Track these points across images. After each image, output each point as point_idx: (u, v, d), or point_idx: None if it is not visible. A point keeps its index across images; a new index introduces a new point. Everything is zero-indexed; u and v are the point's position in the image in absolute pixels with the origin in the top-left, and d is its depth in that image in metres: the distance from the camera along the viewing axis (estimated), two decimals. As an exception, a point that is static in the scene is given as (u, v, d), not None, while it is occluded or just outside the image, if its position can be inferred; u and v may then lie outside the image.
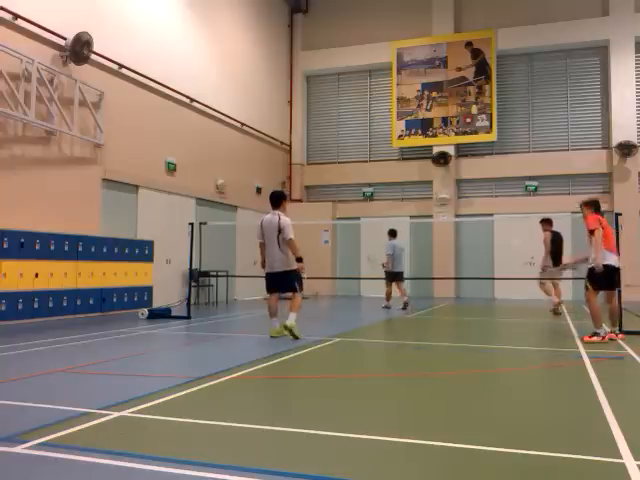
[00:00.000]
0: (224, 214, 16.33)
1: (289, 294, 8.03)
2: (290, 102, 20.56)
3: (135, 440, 3.29)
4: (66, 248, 10.52)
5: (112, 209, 12.19)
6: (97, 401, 4.10)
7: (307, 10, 20.74)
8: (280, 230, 7.75)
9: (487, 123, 18.32)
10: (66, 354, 6.52)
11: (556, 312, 11.62)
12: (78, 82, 11.14)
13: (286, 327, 7.58)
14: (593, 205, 7.99)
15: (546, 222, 11.69)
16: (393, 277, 13.32)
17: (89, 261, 10.99)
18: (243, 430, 3.48)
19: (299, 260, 7.83)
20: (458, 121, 18.62)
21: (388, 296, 13.46)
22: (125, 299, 11.86)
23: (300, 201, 20.35)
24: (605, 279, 7.61)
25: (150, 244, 12.76)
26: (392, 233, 13.59)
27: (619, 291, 8.57)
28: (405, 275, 13.97)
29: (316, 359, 6.40)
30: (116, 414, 3.77)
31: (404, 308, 12.92)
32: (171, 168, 14.10)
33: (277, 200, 8.05)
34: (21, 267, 9.61)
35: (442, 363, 6.18)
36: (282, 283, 7.93)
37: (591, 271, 7.56)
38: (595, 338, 7.43)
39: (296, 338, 7.52)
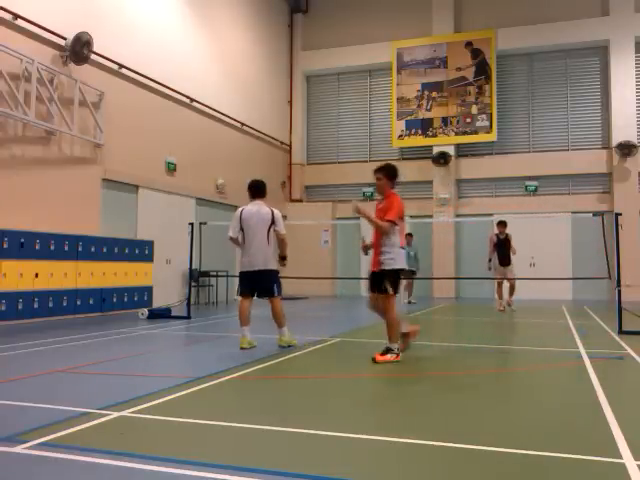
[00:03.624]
0: (224, 214, 16.28)
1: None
2: (290, 102, 20.56)
3: (135, 440, 3.29)
4: (66, 248, 10.52)
5: (112, 209, 12.19)
6: (97, 401, 4.10)
7: (307, 10, 20.74)
8: (274, 222, 6.91)
9: (487, 123, 18.32)
10: (66, 354, 6.51)
11: (500, 310, 12.50)
12: (78, 82, 11.13)
13: (284, 343, 6.84)
14: (394, 176, 6.16)
15: (500, 225, 12.65)
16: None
17: (89, 261, 11.00)
18: (243, 430, 3.48)
19: (284, 258, 7.05)
20: (458, 121, 18.61)
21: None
22: (125, 299, 11.86)
23: (300, 201, 20.37)
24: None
25: (150, 244, 12.76)
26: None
27: (619, 291, 8.54)
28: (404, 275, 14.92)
29: (316, 359, 6.40)
30: (116, 414, 3.77)
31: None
32: (171, 168, 14.09)
33: (262, 189, 7.24)
34: (21, 267, 9.61)
35: (441, 363, 6.17)
36: (262, 284, 6.85)
37: (394, 272, 5.98)
38: (389, 356, 5.88)
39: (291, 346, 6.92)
